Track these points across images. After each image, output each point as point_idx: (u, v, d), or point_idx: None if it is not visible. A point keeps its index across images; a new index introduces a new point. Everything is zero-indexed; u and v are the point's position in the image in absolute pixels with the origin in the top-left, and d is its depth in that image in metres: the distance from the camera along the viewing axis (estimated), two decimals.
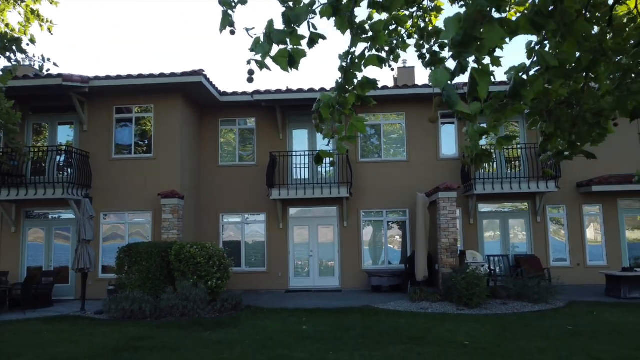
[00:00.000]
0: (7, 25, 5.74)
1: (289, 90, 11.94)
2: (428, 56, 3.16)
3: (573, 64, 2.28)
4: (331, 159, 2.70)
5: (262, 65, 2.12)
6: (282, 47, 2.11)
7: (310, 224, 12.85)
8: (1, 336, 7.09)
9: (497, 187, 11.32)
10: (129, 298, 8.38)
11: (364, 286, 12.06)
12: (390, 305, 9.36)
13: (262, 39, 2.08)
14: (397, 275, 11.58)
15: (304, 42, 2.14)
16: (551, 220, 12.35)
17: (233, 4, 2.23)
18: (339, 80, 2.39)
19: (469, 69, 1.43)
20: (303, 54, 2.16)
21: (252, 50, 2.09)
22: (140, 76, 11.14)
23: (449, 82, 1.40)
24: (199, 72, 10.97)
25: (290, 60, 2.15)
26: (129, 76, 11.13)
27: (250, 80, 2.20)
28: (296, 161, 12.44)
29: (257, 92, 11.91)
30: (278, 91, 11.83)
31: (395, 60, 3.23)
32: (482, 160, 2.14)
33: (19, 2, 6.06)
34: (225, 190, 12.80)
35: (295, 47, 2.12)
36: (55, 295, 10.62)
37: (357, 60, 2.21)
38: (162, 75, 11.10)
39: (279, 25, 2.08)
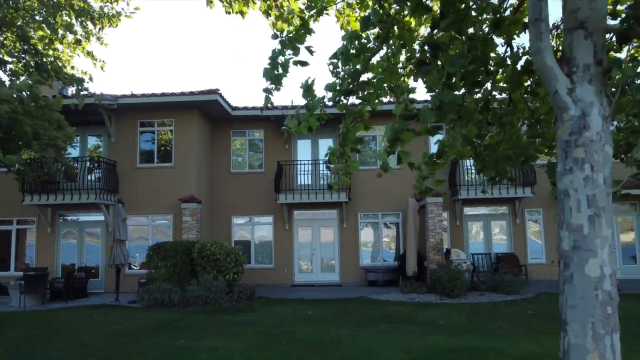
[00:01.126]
0: (72, 67, 7.14)
1: (294, 106, 13.34)
2: None
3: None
4: (330, 182, 4.13)
5: (292, 132, 3.56)
6: (303, 122, 3.54)
7: (313, 225, 14.27)
8: (59, 320, 8.51)
9: (479, 192, 12.74)
10: (159, 289, 9.80)
11: (362, 281, 13.48)
12: (383, 296, 10.78)
13: (292, 118, 3.52)
14: (390, 271, 13.01)
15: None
16: (529, 222, 13.78)
17: (272, 91, 3.69)
18: (339, 141, 3.81)
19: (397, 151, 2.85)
20: (317, 124, 3.58)
21: (285, 124, 3.53)
22: (162, 94, 12.57)
23: (387, 160, 2.84)
24: (215, 91, 12.39)
25: (309, 128, 3.59)
26: (153, 94, 12.55)
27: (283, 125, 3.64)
28: (300, 169, 13.85)
29: (267, 107, 13.30)
30: (285, 107, 13.23)
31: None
32: (426, 194, 3.54)
33: (79, 46, 7.44)
34: (236, 194, 14.22)
35: (312, 121, 3.55)
36: (87, 289, 12.03)
37: (348, 134, 3.63)
38: (182, 93, 12.52)
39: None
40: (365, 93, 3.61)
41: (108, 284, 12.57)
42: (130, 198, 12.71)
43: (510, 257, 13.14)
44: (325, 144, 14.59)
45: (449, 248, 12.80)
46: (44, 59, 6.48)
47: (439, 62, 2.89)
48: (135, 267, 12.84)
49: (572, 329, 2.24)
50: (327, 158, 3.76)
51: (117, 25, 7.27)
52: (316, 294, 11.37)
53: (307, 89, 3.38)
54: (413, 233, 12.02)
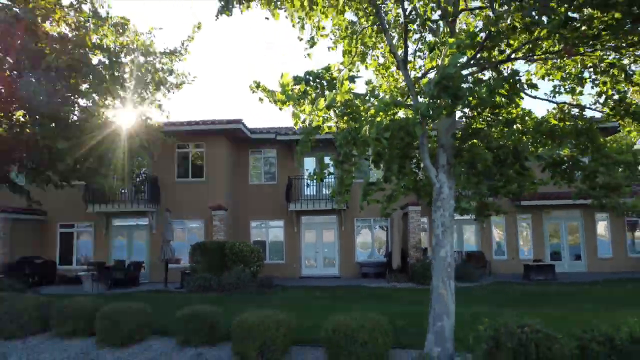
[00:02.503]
0: (147, 118, 10.14)
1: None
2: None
3: None
4: (334, 206, 7.16)
5: (317, 179, 6.61)
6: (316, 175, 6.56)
7: (317, 228, 17.32)
8: (133, 299, 11.55)
9: None
10: (200, 277, 12.83)
11: (357, 274, 16.51)
12: (373, 284, 13.82)
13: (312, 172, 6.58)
14: (380, 265, 16.05)
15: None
16: (494, 226, 16.81)
17: (325, 174, 6.76)
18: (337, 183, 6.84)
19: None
20: (323, 176, 6.61)
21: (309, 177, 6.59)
22: (196, 123, 15.63)
23: (362, 203, 5.88)
24: (239, 121, 15.45)
25: (321, 178, 6.62)
26: (189, 123, 15.61)
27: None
28: (307, 182, 16.88)
29: (279, 133, 16.40)
30: (295, 133, 16.28)
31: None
32: (388, 216, 6.55)
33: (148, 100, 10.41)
34: (253, 202, 17.25)
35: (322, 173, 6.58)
36: (139, 279, 15.08)
37: (344, 179, 6.65)
38: (212, 122, 15.58)
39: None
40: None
41: (152, 275, 15.61)
42: (170, 206, 15.73)
43: (477, 254, 16.18)
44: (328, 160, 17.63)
45: (426, 247, 15.85)
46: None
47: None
48: (177, 262, 15.89)
49: (434, 278, 5.30)
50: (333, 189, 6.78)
51: (180, 89, 10.30)
52: (320, 284, 14.40)
53: (321, 167, 6.38)
54: (397, 235, 15.06)
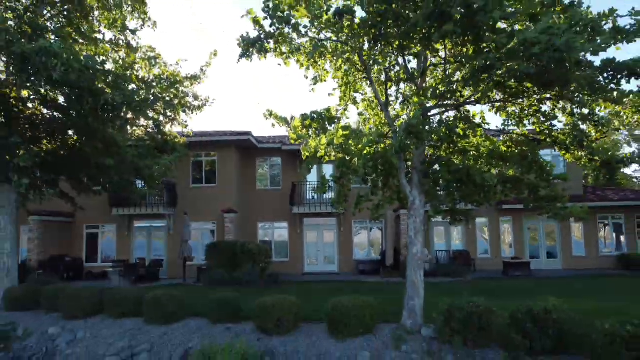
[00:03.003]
0: (175, 137, 11.86)
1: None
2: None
3: None
4: (335, 206, 8.90)
5: (319, 192, 8.36)
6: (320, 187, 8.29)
7: (318, 229, 19.02)
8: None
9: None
10: (216, 273, 14.53)
11: (354, 271, 18.22)
12: (369, 280, 15.53)
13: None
14: (375, 263, 17.76)
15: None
16: (478, 228, 18.52)
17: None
18: (335, 194, 8.56)
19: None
20: (325, 190, 8.33)
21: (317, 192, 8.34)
22: (210, 134, 17.35)
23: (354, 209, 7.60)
24: (248, 133, 17.17)
25: (323, 192, 8.35)
26: (203, 134, 17.33)
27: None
28: (309, 187, 18.58)
29: (284, 143, 18.13)
30: (299, 144, 18.00)
31: None
32: (378, 219, 8.23)
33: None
34: (260, 206, 18.96)
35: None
36: (159, 275, 16.78)
37: (341, 190, 8.37)
38: (224, 134, 17.31)
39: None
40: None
41: (170, 272, 17.32)
42: (185, 210, 17.46)
43: (463, 253, 17.88)
44: (328, 168, 19.33)
45: None
46: (167, 138, 11.36)
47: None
48: (192, 259, 17.61)
49: (408, 269, 7.04)
50: (331, 203, 8.51)
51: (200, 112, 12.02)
52: (321, 279, 16.11)
53: (322, 182, 8.10)
54: (391, 235, 16.78)
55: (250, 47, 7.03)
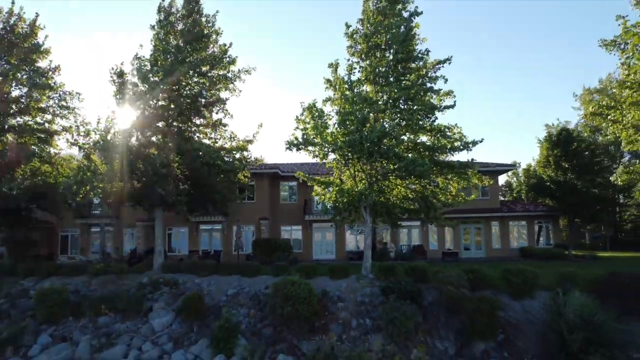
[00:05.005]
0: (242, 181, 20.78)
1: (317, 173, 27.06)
2: None
3: None
4: (333, 220, 17.86)
5: (323, 211, 17.36)
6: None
7: (322, 231, 27.94)
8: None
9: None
10: (259, 259, 23.43)
11: (346, 258, 27.12)
12: (355, 263, 24.45)
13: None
14: (360, 253, 26.67)
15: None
16: (430, 229, 27.44)
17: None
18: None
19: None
20: (327, 210, 17.22)
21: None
22: (252, 168, 26.28)
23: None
24: (277, 167, 26.15)
25: (326, 211, 17.26)
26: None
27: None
28: (316, 202, 27.41)
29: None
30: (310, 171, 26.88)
31: None
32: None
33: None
34: (283, 214, 27.86)
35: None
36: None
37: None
38: (260, 167, 26.23)
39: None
40: None
41: (224, 259, 26.22)
42: (234, 218, 26.36)
43: (420, 247, 26.81)
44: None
45: (386, 241, 26.52)
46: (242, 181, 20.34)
47: None
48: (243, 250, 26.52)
49: (365, 251, 15.99)
50: (331, 218, 17.46)
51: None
52: (324, 263, 25.02)
53: (325, 209, 16.99)
54: (370, 234, 25.67)
55: (293, 147, 15.99)
